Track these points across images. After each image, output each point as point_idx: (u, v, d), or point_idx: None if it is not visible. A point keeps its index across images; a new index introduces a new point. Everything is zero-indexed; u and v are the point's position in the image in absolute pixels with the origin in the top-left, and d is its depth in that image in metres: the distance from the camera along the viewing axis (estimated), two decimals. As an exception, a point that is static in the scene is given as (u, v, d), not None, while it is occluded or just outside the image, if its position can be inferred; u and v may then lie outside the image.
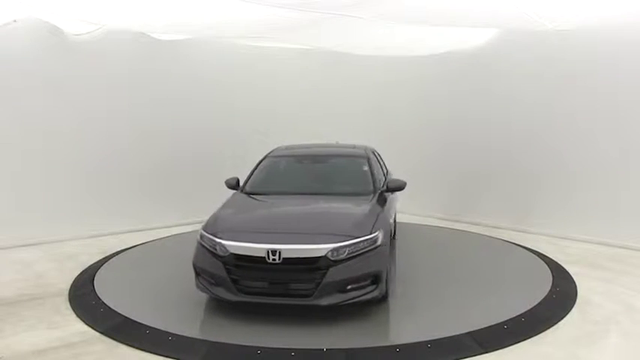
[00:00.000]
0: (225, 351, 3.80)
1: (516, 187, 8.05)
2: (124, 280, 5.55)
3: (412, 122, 9.25)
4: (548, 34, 7.32)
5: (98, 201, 7.64)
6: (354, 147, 6.40)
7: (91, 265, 6.03)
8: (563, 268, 5.88)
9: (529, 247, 6.84)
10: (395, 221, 6.98)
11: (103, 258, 6.32)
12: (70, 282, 5.41)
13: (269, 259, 4.14)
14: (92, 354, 3.78)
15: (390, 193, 5.69)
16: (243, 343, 3.85)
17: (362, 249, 4.22)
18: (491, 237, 7.49)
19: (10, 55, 6.96)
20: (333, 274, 4.09)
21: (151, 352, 3.78)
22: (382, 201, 5.20)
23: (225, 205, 5.17)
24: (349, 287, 4.16)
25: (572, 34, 7.14)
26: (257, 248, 4.19)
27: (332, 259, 4.12)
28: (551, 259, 6.21)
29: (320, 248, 4.12)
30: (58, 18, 7.10)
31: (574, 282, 5.38)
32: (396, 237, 7.16)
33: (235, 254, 4.26)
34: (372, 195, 5.16)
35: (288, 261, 4.15)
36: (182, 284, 5.29)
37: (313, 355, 3.75)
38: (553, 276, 5.53)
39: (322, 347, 3.81)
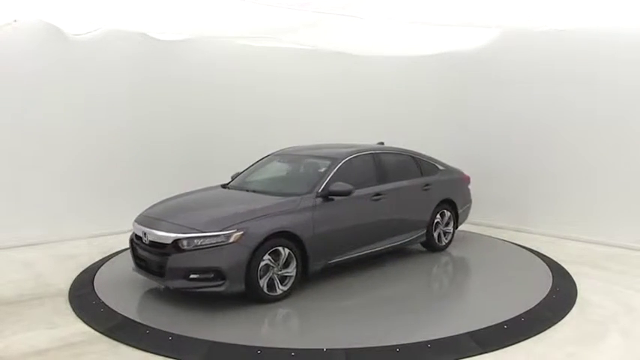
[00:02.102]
0: (225, 351, 3.80)
1: (516, 187, 8.05)
2: (124, 280, 5.54)
3: (412, 122, 9.24)
4: (548, 35, 7.32)
5: (98, 201, 7.63)
6: (348, 147, 6.11)
7: (91, 265, 6.02)
8: (563, 268, 5.89)
9: (529, 247, 6.85)
10: (440, 228, 6.62)
11: (103, 258, 6.31)
12: (70, 282, 5.40)
13: (143, 240, 4.88)
14: (92, 354, 3.78)
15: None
16: (243, 343, 3.86)
17: (208, 244, 4.48)
18: (491, 237, 7.50)
19: (10, 55, 6.95)
20: (175, 261, 4.53)
21: (151, 352, 3.78)
22: (304, 203, 5.04)
23: (179, 194, 5.78)
24: (192, 276, 4.51)
25: (572, 34, 7.14)
26: (138, 229, 4.98)
27: (181, 247, 4.52)
28: (551, 259, 6.21)
29: (167, 236, 4.61)
30: (58, 18, 7.10)
31: (574, 282, 5.38)
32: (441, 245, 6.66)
33: (134, 233, 5.10)
34: (297, 197, 5.10)
35: (151, 244, 4.78)
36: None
37: (313, 355, 3.75)
38: (553, 276, 5.53)
39: (322, 347, 3.81)
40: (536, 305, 4.65)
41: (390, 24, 7.00)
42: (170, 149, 8.43)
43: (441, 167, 6.83)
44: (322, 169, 5.53)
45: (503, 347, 3.84)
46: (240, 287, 4.57)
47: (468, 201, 7.12)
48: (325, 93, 9.70)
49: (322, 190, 5.22)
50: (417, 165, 6.52)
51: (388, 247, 5.95)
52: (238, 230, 4.53)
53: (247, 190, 5.63)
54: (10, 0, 6.12)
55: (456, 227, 6.89)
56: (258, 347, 3.79)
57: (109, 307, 4.62)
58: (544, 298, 4.82)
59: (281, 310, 4.66)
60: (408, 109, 9.41)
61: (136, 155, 8.07)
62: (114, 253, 6.51)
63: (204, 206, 5.19)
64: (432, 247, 6.59)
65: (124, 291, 5.20)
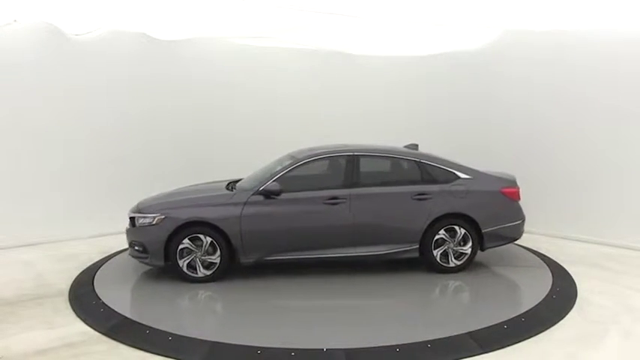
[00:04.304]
0: (225, 351, 3.80)
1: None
2: (124, 280, 5.55)
3: (412, 122, 9.24)
4: (548, 35, 7.32)
5: (98, 201, 7.63)
6: (334, 147, 5.94)
7: (91, 265, 6.02)
8: (563, 268, 5.88)
9: (529, 247, 6.84)
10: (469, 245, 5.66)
11: (103, 258, 6.31)
12: (70, 282, 5.40)
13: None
14: (92, 354, 3.78)
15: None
16: (243, 343, 3.85)
17: (143, 223, 5.40)
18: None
19: (10, 55, 6.95)
20: (129, 234, 5.58)
21: (151, 352, 3.78)
22: (237, 199, 5.41)
23: (184, 186, 6.42)
24: (136, 248, 5.47)
25: (572, 34, 7.14)
26: None
27: (134, 224, 5.49)
28: (551, 259, 6.21)
29: (130, 214, 5.59)
30: (58, 18, 7.10)
31: (574, 282, 5.38)
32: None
33: None
34: (231, 192, 5.60)
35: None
36: (182, 284, 5.30)
37: (313, 355, 3.75)
38: (553, 276, 5.53)
39: (322, 347, 3.81)
40: (536, 305, 4.65)
41: (389, 24, 7.01)
42: (170, 149, 8.43)
43: (463, 175, 5.80)
44: (278, 169, 5.64)
45: (503, 347, 3.84)
46: (160, 262, 5.35)
47: (506, 219, 5.81)
48: (325, 92, 9.69)
49: (263, 189, 5.43)
50: (420, 171, 5.78)
51: (356, 257, 5.53)
52: (161, 215, 5.33)
53: (230, 187, 5.82)
54: (10, 0, 6.13)
55: (480, 249, 5.75)
56: (258, 347, 3.79)
57: (109, 307, 4.61)
58: (544, 298, 4.82)
59: (282, 310, 4.66)
60: (407, 108, 9.40)
61: (136, 155, 8.08)
62: (114, 253, 6.51)
63: (174, 196, 5.81)
64: (434, 267, 5.66)
65: (124, 291, 5.21)
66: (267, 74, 9.22)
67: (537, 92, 7.75)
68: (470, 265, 5.72)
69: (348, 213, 5.46)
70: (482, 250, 5.78)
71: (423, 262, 5.70)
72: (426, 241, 5.60)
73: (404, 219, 5.59)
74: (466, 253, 5.69)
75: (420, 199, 5.61)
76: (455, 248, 5.66)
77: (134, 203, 5.96)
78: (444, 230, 5.62)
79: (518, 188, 5.98)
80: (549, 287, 5.14)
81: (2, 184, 6.93)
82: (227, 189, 5.81)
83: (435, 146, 8.87)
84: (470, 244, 5.67)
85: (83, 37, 7.60)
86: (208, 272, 5.34)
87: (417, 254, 5.63)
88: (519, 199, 5.96)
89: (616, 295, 5.02)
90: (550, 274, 5.59)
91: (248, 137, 8.91)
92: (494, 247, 5.86)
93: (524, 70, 7.88)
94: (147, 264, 5.51)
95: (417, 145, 6.39)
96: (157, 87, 8.30)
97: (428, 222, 5.58)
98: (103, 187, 7.73)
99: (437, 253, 5.63)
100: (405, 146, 6.33)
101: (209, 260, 5.34)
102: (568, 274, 5.66)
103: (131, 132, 8.04)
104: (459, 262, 5.68)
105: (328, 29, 7.37)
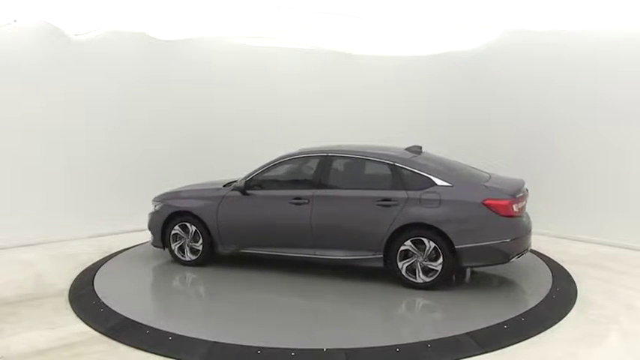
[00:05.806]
0: (225, 351, 3.80)
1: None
2: (124, 280, 5.55)
3: (412, 123, 9.23)
4: (548, 35, 7.32)
5: (98, 201, 7.63)
6: (319, 148, 5.85)
7: (91, 265, 6.02)
8: (563, 268, 5.88)
9: (529, 247, 6.84)
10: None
11: (103, 258, 6.31)
12: (70, 282, 5.40)
13: None
14: (92, 354, 3.78)
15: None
16: (243, 343, 3.85)
17: (152, 210, 6.25)
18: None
19: (10, 54, 6.95)
20: (148, 219, 6.30)
21: (151, 352, 3.78)
22: (219, 193, 5.87)
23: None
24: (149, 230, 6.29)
25: (572, 34, 7.14)
26: None
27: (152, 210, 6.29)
28: (551, 259, 6.21)
29: (152, 202, 6.32)
30: (58, 18, 7.10)
31: (574, 282, 5.38)
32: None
33: None
34: (217, 186, 6.02)
35: None
36: (182, 284, 5.30)
37: (313, 355, 3.76)
38: (553, 276, 5.52)
39: (322, 347, 3.81)
40: (536, 305, 4.65)
41: (389, 24, 7.01)
42: (170, 149, 8.42)
43: (441, 182, 5.07)
44: (255, 168, 5.82)
45: (503, 347, 3.84)
46: (159, 244, 6.09)
47: (488, 236, 4.88)
48: (325, 93, 9.69)
49: (234, 186, 5.76)
50: (392, 175, 5.27)
51: (322, 259, 5.41)
52: (162, 204, 6.12)
53: (226, 184, 6.04)
54: (10, 0, 6.13)
55: (457, 267, 5.02)
56: (258, 347, 3.79)
57: (109, 307, 4.61)
58: (544, 298, 4.82)
59: (282, 310, 4.66)
60: (407, 108, 9.40)
61: (135, 155, 8.07)
62: (114, 253, 6.51)
63: (182, 188, 6.37)
64: (402, 280, 5.08)
65: (124, 291, 5.20)
66: (267, 74, 9.22)
67: (537, 92, 7.74)
68: (440, 284, 4.99)
69: (308, 214, 5.36)
70: (460, 268, 5.16)
71: (390, 274, 5.17)
72: (391, 251, 5.06)
73: (364, 225, 5.18)
74: (436, 270, 4.95)
75: (384, 206, 5.09)
76: (424, 263, 4.97)
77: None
78: (412, 242, 4.99)
79: (511, 201, 4.97)
80: (549, 287, 5.14)
81: (2, 184, 6.93)
82: (225, 186, 5.95)
83: (435, 146, 8.85)
84: (440, 259, 4.92)
85: (83, 37, 7.59)
86: (193, 257, 5.92)
87: (380, 264, 5.15)
88: (510, 213, 4.96)
89: (616, 295, 5.02)
90: (550, 274, 5.58)
91: (248, 136, 8.91)
92: (476, 267, 5.31)
93: (524, 70, 7.87)
94: (152, 245, 6.25)
95: (420, 147, 5.95)
96: (157, 87, 8.30)
97: (390, 231, 5.02)
98: (103, 187, 7.72)
99: (402, 265, 5.04)
100: (407, 148, 5.85)
101: (195, 247, 5.89)
102: (568, 274, 5.66)
103: (131, 131, 8.04)
104: (427, 279, 4.96)
105: (328, 29, 7.37)
